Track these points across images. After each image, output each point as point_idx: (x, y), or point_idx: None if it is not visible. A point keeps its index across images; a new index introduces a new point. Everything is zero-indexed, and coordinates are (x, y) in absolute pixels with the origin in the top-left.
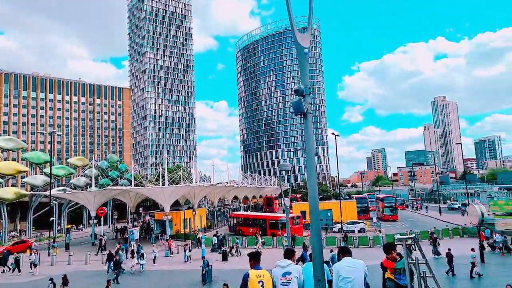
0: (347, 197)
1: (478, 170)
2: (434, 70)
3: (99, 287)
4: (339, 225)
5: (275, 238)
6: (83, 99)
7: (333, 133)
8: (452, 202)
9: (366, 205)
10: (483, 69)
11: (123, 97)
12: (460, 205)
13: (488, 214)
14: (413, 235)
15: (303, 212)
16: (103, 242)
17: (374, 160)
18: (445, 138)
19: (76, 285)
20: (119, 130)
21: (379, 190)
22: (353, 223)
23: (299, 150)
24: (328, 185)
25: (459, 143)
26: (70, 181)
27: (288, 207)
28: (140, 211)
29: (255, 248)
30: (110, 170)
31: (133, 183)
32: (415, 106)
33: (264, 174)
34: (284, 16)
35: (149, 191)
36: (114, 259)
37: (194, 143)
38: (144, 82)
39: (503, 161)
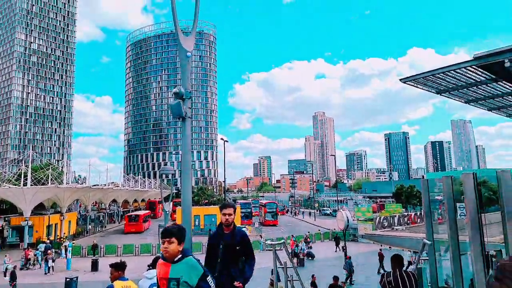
0: (233, 202)
1: (348, 180)
2: (315, 87)
3: None
4: None
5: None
6: None
7: (222, 139)
8: (324, 208)
9: (249, 210)
10: (353, 91)
11: None
12: (331, 211)
13: (353, 220)
14: (282, 240)
15: None
16: None
17: (260, 166)
18: (322, 150)
19: None
20: None
21: (263, 196)
22: None
23: None
24: (214, 189)
25: (333, 155)
26: None
27: (168, 211)
28: None
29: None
30: None
31: None
32: (298, 119)
33: (149, 176)
34: (180, 17)
35: (4, 191)
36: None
37: (69, 140)
38: (11, 65)
39: (367, 172)
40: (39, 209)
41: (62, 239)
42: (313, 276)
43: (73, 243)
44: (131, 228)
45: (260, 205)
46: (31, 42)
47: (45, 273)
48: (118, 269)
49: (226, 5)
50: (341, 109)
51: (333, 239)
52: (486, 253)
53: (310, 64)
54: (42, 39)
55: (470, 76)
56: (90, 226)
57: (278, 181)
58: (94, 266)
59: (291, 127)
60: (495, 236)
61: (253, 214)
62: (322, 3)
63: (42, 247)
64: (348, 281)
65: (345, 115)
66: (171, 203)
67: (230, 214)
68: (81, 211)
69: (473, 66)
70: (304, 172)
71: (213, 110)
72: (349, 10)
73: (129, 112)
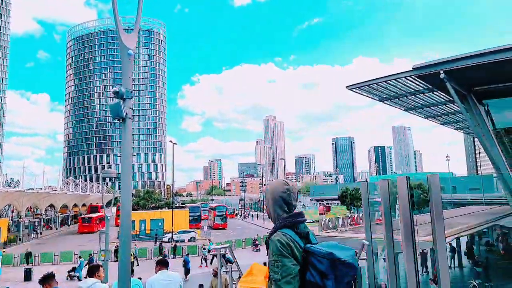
0: (182, 206)
1: (297, 183)
2: (266, 91)
3: None
4: (169, 235)
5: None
6: None
7: (171, 141)
8: None
9: (198, 214)
10: (303, 96)
11: None
12: None
13: None
14: (228, 244)
15: (133, 222)
16: None
17: (210, 170)
18: (273, 153)
19: None
20: None
21: (213, 199)
22: (184, 232)
23: (134, 155)
24: (162, 193)
25: (282, 159)
26: None
27: (109, 217)
28: None
29: None
30: None
31: None
32: (249, 122)
33: (91, 180)
34: (126, 13)
35: None
36: None
37: (1, 140)
38: None
39: (315, 176)
40: None
41: None
42: None
43: (3, 251)
44: (84, 228)
45: (210, 208)
46: None
47: None
48: (46, 283)
49: (174, 5)
50: (291, 114)
51: None
52: (421, 251)
53: (260, 68)
54: None
55: (409, 85)
56: (23, 233)
57: (228, 184)
58: (27, 276)
59: (242, 130)
60: (427, 236)
61: (202, 217)
62: (272, 9)
63: None
64: None
65: (295, 120)
66: (115, 207)
67: None
68: (13, 217)
69: (412, 76)
70: (255, 175)
71: (162, 111)
72: (299, 17)
73: (70, 111)
